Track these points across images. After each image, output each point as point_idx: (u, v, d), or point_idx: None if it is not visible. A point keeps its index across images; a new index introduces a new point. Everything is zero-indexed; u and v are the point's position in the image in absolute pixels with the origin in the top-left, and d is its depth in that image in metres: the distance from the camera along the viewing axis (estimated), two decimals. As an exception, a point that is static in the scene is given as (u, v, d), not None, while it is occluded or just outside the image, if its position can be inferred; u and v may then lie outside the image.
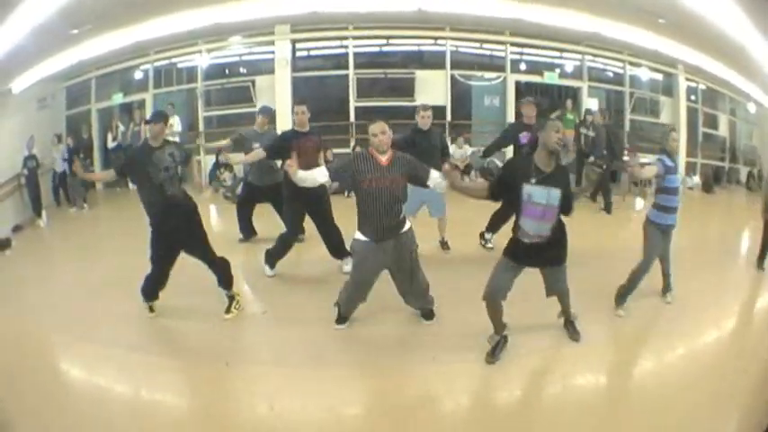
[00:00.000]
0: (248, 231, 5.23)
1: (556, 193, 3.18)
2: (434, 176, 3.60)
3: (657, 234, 4.04)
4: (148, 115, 4.71)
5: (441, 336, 3.81)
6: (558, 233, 3.33)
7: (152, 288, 4.00)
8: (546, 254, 3.36)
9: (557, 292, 3.56)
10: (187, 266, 4.21)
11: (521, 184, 3.18)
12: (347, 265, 4.50)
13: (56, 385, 3.34)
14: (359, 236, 3.59)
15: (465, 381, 3.45)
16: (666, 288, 4.32)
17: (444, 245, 5.03)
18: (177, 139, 4.40)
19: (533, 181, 3.17)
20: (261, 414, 3.13)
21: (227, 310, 4.06)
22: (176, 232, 3.91)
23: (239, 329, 4.04)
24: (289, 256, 4.80)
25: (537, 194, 3.18)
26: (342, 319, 3.89)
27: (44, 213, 5.77)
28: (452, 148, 5.88)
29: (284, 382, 3.36)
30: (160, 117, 3.97)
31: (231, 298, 4.09)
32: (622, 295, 4.18)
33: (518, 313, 3.83)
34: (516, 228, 3.30)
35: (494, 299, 3.39)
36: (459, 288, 4.26)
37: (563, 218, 3.39)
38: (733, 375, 3.37)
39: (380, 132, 3.47)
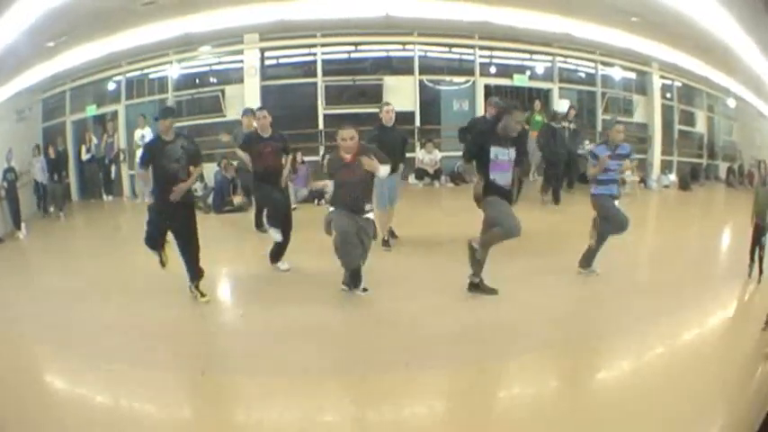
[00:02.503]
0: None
1: (513, 152, 4.33)
2: (385, 169, 4.45)
3: (608, 200, 4.82)
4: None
5: (416, 341, 3.85)
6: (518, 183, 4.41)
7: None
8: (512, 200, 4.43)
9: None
10: (165, 273, 4.30)
11: (489, 147, 4.32)
12: (284, 264, 4.97)
13: (36, 395, 3.40)
14: (332, 208, 4.44)
15: (440, 386, 3.49)
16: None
17: (392, 234, 5.31)
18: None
19: (498, 144, 4.30)
20: (238, 423, 3.18)
21: (202, 295, 4.55)
22: (176, 213, 4.48)
23: (216, 337, 4.09)
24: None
25: (501, 154, 4.29)
26: (351, 280, 4.42)
27: (23, 226, 5.78)
28: (422, 153, 5.97)
29: (261, 390, 3.41)
30: (167, 113, 4.57)
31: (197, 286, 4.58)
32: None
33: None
34: (489, 182, 4.31)
35: (518, 233, 4.30)
36: (438, 287, 4.34)
37: None
38: (715, 376, 3.40)
39: (350, 138, 4.21)
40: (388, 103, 5.32)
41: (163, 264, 4.73)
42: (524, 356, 3.82)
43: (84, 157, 6.08)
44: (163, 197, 4.56)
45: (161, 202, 4.60)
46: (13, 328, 4.12)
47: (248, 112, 5.36)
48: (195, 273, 4.61)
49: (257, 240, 5.01)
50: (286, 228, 4.99)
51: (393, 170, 4.83)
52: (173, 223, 4.59)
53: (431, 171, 6.11)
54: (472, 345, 3.92)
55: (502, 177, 4.40)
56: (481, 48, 6.13)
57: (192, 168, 4.59)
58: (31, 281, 5.13)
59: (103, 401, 3.46)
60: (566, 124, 6.26)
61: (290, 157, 5.19)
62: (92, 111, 6.13)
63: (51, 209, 6.06)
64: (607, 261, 4.68)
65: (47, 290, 4.88)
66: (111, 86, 6.07)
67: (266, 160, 4.98)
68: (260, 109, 5.05)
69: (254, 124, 5.05)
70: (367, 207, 4.46)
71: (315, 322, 4.19)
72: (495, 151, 4.35)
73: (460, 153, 5.12)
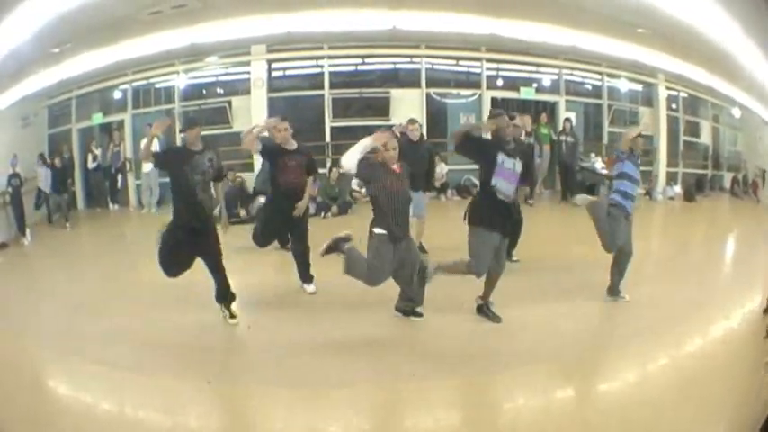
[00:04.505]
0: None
1: (519, 165, 4.10)
2: None
3: (618, 217, 4.48)
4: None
5: (421, 352, 3.86)
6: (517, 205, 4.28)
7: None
8: (512, 218, 4.21)
9: (501, 266, 4.20)
10: (173, 284, 4.29)
11: (497, 152, 4.04)
12: (311, 286, 4.75)
13: (40, 401, 3.39)
14: (378, 230, 3.95)
15: (446, 398, 3.50)
16: (614, 287, 4.63)
17: (422, 249, 5.12)
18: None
19: (507, 153, 4.06)
20: (243, 433, 3.19)
21: (231, 316, 4.32)
22: (194, 234, 4.09)
23: (223, 346, 4.09)
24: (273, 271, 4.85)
25: (507, 162, 4.03)
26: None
27: (28, 232, 5.79)
28: (429, 167, 5.96)
29: (267, 400, 3.42)
30: (192, 123, 4.20)
31: (228, 307, 4.33)
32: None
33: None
34: (489, 189, 4.05)
35: (483, 273, 4.09)
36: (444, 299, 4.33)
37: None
38: (718, 385, 3.41)
39: (393, 149, 3.94)
40: (415, 121, 5.23)
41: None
42: (530, 369, 3.82)
43: (90, 165, 6.08)
44: (180, 211, 4.20)
45: (177, 218, 4.20)
46: (19, 333, 4.13)
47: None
48: (225, 295, 4.34)
49: (264, 252, 4.99)
50: (302, 248, 4.72)
51: (419, 188, 4.74)
52: (193, 246, 4.19)
53: (437, 184, 6.11)
54: (478, 357, 3.92)
55: (504, 186, 4.08)
56: (488, 60, 6.12)
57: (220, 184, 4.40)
58: (36, 286, 5.14)
59: (108, 408, 3.45)
60: (563, 137, 6.28)
61: (312, 179, 4.81)
62: (98, 119, 6.14)
63: (56, 216, 6.02)
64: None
65: (51, 296, 4.89)
66: (117, 95, 6.08)
67: (289, 176, 4.58)
68: (282, 120, 4.61)
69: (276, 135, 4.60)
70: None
71: (320, 334, 4.18)
72: (501, 157, 4.07)
73: (466, 167, 5.14)
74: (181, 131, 4.36)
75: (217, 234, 4.24)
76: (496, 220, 4.07)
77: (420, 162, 5.01)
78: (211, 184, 4.29)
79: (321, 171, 5.72)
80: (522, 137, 5.74)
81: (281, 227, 4.77)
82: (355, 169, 3.93)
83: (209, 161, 4.13)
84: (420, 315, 4.25)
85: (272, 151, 4.58)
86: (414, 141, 5.12)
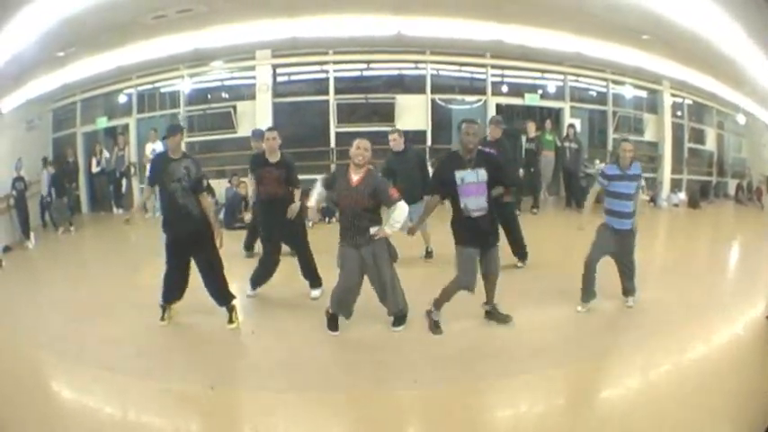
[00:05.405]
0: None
1: (483, 172, 3.90)
2: (399, 208, 3.90)
3: (604, 233, 4.32)
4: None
5: (422, 356, 3.84)
6: (493, 213, 4.01)
7: (166, 289, 4.22)
8: (489, 231, 4.01)
9: (492, 273, 4.11)
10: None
11: (452, 171, 3.91)
12: (315, 291, 4.66)
13: (43, 404, 3.38)
14: (341, 242, 3.99)
15: (448, 403, 3.48)
16: (626, 291, 4.49)
17: (429, 254, 5.20)
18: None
19: (463, 167, 3.91)
20: (246, 438, 3.17)
21: (230, 321, 4.27)
22: (186, 239, 4.10)
23: (225, 352, 4.07)
24: (278, 276, 4.84)
25: (468, 176, 3.90)
26: (332, 323, 4.11)
27: (32, 235, 5.80)
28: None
29: (269, 405, 3.40)
30: (175, 130, 4.18)
31: (230, 310, 4.30)
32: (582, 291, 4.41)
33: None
34: (461, 210, 3.94)
35: (471, 289, 3.99)
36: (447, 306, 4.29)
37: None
38: (722, 391, 3.38)
39: (364, 149, 3.86)
40: (394, 130, 5.07)
41: (163, 318, 4.32)
42: (532, 374, 3.80)
43: (95, 169, 6.09)
44: (168, 218, 4.22)
45: (166, 226, 4.22)
46: (22, 335, 4.13)
47: (258, 136, 4.90)
48: (222, 300, 4.31)
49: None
50: (303, 254, 4.69)
51: (416, 198, 4.53)
52: (189, 253, 4.20)
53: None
54: (479, 363, 3.91)
55: (472, 202, 3.96)
56: (493, 67, 6.11)
57: (201, 197, 4.21)
58: (39, 289, 5.14)
59: (111, 412, 3.43)
60: (567, 144, 6.25)
61: (298, 191, 4.66)
62: (102, 123, 6.15)
63: (60, 227, 6.00)
64: (615, 278, 4.64)
65: (55, 299, 4.89)
66: (122, 99, 6.10)
67: (268, 187, 4.56)
68: (270, 129, 4.60)
69: (263, 146, 4.57)
70: (372, 231, 3.97)
71: (324, 339, 4.17)
72: (459, 175, 3.93)
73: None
74: (163, 138, 4.30)
75: (212, 238, 4.22)
76: (473, 238, 4.00)
77: (409, 172, 4.91)
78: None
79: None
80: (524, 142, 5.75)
81: (268, 234, 4.69)
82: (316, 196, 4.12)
83: (184, 168, 4.11)
84: (401, 324, 4.19)
85: (257, 164, 4.60)
86: (398, 152, 4.98)
